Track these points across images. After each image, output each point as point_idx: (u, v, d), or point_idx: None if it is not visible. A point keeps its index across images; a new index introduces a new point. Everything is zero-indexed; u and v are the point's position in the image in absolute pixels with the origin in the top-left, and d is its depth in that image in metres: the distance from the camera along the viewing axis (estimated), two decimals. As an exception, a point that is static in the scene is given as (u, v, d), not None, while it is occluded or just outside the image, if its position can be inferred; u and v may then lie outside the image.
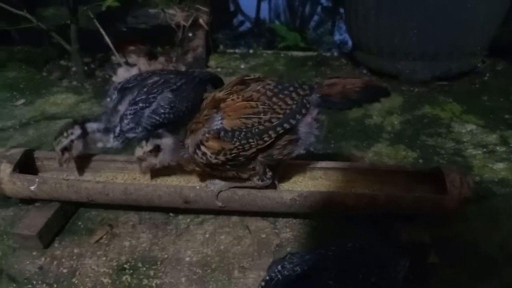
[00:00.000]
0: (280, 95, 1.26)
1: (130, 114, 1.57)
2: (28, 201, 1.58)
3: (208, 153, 1.27)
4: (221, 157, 1.27)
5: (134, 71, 2.63)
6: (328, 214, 1.54)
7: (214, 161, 1.29)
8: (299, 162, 1.58)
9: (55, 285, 1.34)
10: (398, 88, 2.63)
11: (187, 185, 1.54)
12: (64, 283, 1.35)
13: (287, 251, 1.42)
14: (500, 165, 1.85)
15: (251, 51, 3.40)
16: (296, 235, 1.51)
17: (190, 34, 3.03)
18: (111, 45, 2.69)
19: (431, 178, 1.47)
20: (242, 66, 3.06)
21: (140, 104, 1.57)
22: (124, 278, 1.36)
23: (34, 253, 1.45)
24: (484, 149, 1.97)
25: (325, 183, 1.57)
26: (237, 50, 3.43)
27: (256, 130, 1.24)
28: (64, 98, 2.56)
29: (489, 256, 1.42)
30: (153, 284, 1.34)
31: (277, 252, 1.44)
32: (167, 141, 1.40)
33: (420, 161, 1.91)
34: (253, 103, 1.24)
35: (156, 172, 1.57)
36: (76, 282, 1.35)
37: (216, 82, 1.82)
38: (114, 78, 2.75)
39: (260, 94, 1.26)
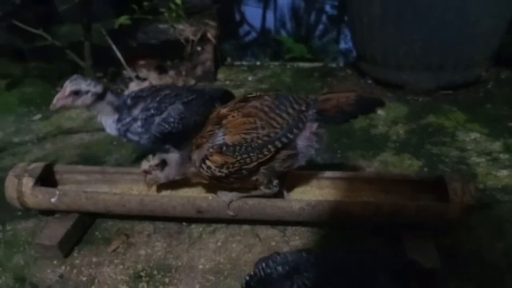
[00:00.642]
0: (277, 110, 1.31)
1: (142, 118, 1.63)
2: (48, 212, 1.65)
3: (213, 167, 1.34)
4: (225, 170, 1.34)
5: (145, 85, 2.71)
6: (335, 222, 1.59)
7: (218, 174, 1.35)
8: (307, 173, 1.64)
9: (75, 293, 1.41)
10: (403, 98, 2.68)
11: (199, 195, 1.60)
12: (84, 291, 1.42)
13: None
14: (504, 172, 1.88)
15: (258, 63, 3.47)
16: (304, 243, 1.56)
17: (199, 48, 3.12)
18: (122, 60, 2.78)
19: (435, 186, 1.51)
20: (250, 78, 3.14)
21: (152, 111, 1.64)
22: (140, 285, 1.42)
23: (55, 262, 1.52)
24: (488, 157, 2.01)
25: (332, 192, 1.62)
26: (244, 62, 3.50)
27: (256, 144, 1.30)
28: (79, 112, 2.65)
29: (493, 264, 1.43)
30: (169, 291, 1.40)
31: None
32: (173, 156, 1.47)
33: (425, 169, 1.95)
34: (251, 119, 1.30)
35: (164, 186, 1.63)
36: (95, 289, 1.42)
37: (227, 97, 1.89)
38: (126, 92, 2.84)
39: (258, 109, 1.31)
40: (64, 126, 2.51)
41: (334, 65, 3.36)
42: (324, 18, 5.16)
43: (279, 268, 1.06)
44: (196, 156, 1.42)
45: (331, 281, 1.01)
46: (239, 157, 1.31)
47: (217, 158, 1.32)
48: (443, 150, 2.10)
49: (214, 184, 1.47)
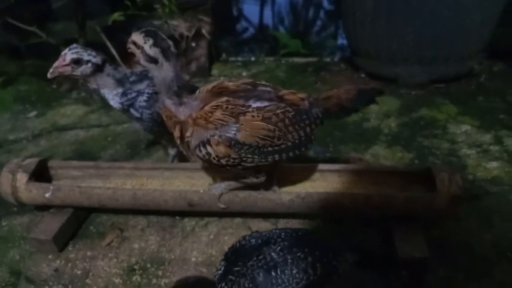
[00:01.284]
0: (296, 126, 1.32)
1: (148, 93, 1.58)
2: (43, 207, 1.67)
3: (213, 154, 1.34)
4: (223, 161, 1.35)
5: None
6: (326, 214, 1.62)
7: (214, 161, 1.36)
8: (297, 166, 1.66)
9: (70, 286, 1.43)
10: (396, 91, 2.69)
11: (191, 189, 1.63)
12: (78, 284, 1.44)
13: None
14: (494, 164, 1.91)
15: (253, 58, 3.48)
16: (296, 235, 1.58)
17: (193, 44, 3.13)
18: (117, 57, 2.79)
19: (425, 178, 1.52)
20: (244, 74, 3.15)
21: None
22: (134, 278, 1.45)
23: (50, 256, 1.55)
24: (478, 149, 2.03)
25: (323, 184, 1.64)
26: (239, 58, 3.51)
27: (265, 150, 1.31)
28: (74, 109, 2.67)
29: (482, 254, 1.46)
30: (162, 283, 1.42)
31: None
32: (166, 66, 1.35)
33: (416, 161, 1.98)
34: (271, 127, 1.29)
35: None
36: (89, 282, 1.44)
37: None
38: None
39: (279, 119, 1.30)
40: (59, 122, 2.52)
41: (328, 59, 3.37)
42: (321, 13, 5.16)
43: (253, 241, 1.20)
44: (193, 133, 1.35)
45: (294, 253, 1.14)
46: (243, 155, 1.32)
47: (222, 149, 1.31)
48: (434, 142, 2.12)
49: (188, 153, 1.42)
